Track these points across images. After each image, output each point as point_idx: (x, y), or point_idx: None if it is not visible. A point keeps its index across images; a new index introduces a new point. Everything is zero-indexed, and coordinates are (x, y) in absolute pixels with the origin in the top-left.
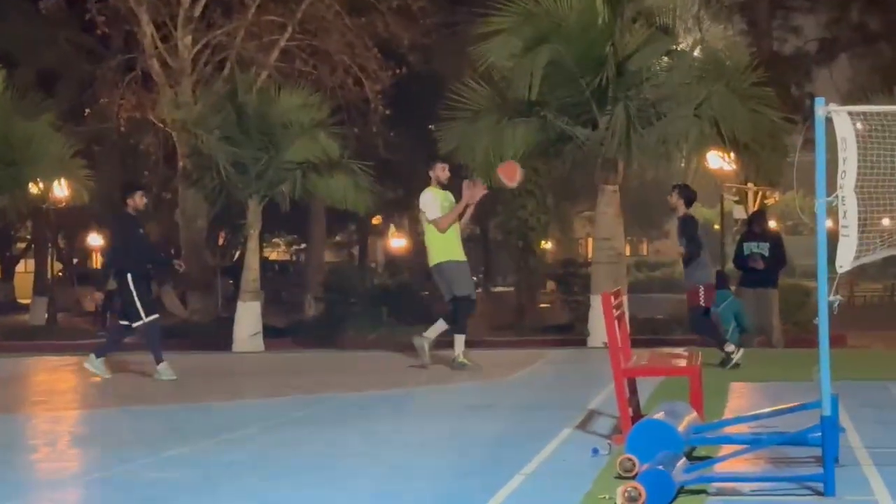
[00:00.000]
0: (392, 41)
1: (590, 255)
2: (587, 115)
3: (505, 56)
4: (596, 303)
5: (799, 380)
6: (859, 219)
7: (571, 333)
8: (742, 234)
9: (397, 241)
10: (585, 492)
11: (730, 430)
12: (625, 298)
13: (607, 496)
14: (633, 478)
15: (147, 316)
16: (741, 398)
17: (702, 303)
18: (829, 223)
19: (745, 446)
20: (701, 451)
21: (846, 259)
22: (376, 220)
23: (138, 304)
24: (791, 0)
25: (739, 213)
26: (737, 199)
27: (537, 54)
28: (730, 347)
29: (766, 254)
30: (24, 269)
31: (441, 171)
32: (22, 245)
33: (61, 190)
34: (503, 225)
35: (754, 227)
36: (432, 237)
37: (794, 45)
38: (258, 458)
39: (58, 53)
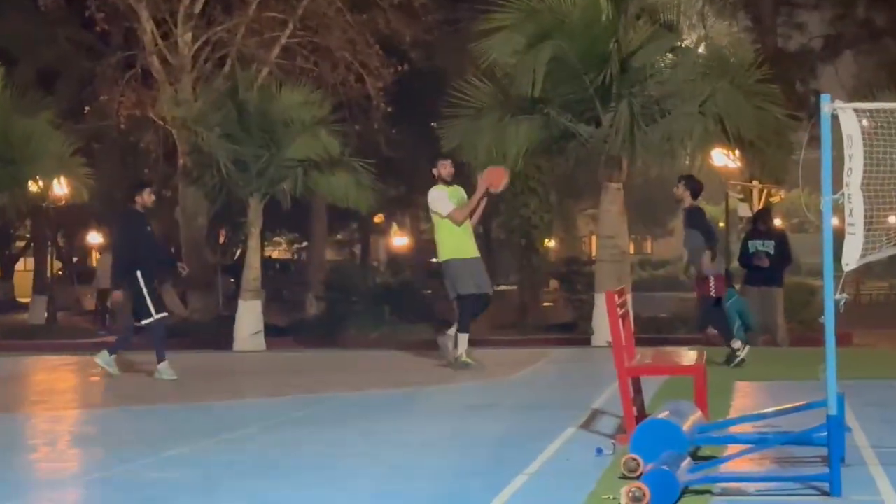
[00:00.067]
0: (394, 38)
1: (593, 254)
2: (591, 112)
3: (508, 53)
4: (600, 301)
5: (804, 379)
6: (865, 216)
7: (575, 332)
8: (747, 232)
9: (399, 240)
10: (589, 492)
11: (735, 429)
12: (629, 297)
13: (611, 496)
14: (638, 478)
15: (157, 313)
16: (746, 397)
17: (712, 293)
18: (835, 221)
19: (750, 446)
20: (706, 451)
21: (852, 257)
22: (378, 219)
23: (148, 301)
24: None
25: (744, 210)
26: (742, 196)
27: (540, 51)
28: (736, 344)
29: (772, 252)
30: (24, 268)
31: (444, 168)
32: (21, 243)
33: (61, 188)
34: (506, 223)
35: (759, 224)
36: (442, 234)
37: (799, 42)
38: (258, 458)
39: (57, 51)
